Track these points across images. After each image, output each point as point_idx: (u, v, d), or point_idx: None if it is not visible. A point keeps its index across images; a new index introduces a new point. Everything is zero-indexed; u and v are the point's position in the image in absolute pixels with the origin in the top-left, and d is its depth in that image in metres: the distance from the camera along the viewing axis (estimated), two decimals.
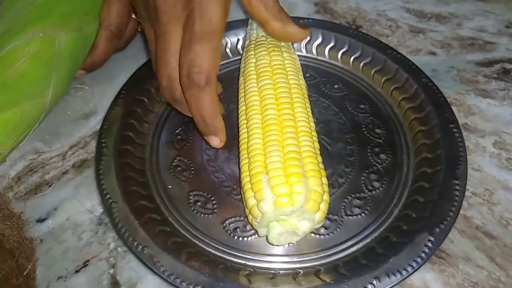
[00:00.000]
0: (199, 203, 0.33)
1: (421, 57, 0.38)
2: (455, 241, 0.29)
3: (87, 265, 0.32)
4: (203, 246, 0.31)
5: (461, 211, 0.31)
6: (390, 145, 0.36)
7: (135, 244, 0.28)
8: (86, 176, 0.32)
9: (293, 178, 0.27)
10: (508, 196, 0.31)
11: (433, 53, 0.40)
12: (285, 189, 0.27)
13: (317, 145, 0.30)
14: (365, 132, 0.37)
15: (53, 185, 0.32)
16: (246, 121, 0.30)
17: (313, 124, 0.31)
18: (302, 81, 0.34)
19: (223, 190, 0.33)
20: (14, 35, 0.33)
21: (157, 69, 0.30)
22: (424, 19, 0.43)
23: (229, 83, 0.40)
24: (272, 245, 0.30)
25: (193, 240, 0.31)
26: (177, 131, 0.38)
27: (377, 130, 0.37)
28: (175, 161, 0.35)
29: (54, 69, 0.35)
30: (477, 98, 0.36)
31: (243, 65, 0.36)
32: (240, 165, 0.31)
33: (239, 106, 0.34)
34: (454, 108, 0.35)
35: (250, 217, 0.29)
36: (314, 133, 0.31)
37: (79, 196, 0.35)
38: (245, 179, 0.29)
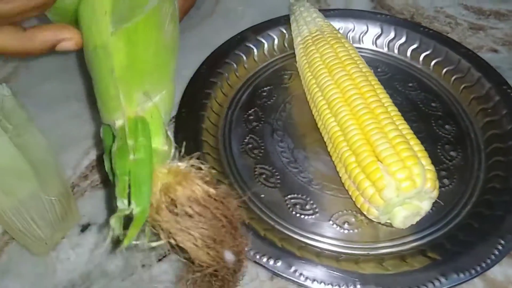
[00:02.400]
0: (298, 206, 0.36)
1: (483, 54, 0.40)
2: None
3: (170, 253, 0.35)
4: (320, 245, 0.34)
5: None
6: (450, 116, 0.42)
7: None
8: None
9: (408, 162, 0.31)
10: None
11: (495, 50, 0.41)
12: (405, 173, 0.31)
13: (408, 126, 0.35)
14: (423, 108, 0.43)
15: None
16: (332, 115, 0.30)
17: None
18: (370, 68, 0.40)
19: (315, 188, 0.37)
20: None
21: None
22: (483, 16, 0.45)
23: (276, 83, 0.45)
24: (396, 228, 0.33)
25: (311, 242, 0.34)
26: (245, 140, 0.41)
27: (433, 104, 0.43)
28: (257, 169, 0.39)
29: None
30: None
31: (306, 62, 0.41)
32: (342, 159, 0.35)
33: (317, 102, 0.36)
34: None
35: (366, 206, 0.34)
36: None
37: None
38: (354, 171, 0.34)
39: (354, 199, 0.34)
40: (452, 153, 0.39)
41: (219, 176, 0.36)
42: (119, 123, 0.26)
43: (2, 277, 0.33)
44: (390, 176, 0.30)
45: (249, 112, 0.42)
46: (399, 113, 0.35)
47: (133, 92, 0.27)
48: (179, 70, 0.46)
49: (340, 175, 0.35)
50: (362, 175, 0.32)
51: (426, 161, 0.32)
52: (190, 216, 0.23)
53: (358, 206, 0.34)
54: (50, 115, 0.42)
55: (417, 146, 0.32)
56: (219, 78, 0.43)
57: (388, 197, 0.31)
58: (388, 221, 0.33)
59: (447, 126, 0.41)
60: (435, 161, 0.38)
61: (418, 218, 0.33)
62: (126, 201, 0.24)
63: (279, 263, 0.31)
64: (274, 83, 0.45)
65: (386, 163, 0.31)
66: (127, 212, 0.23)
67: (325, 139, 0.37)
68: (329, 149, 0.37)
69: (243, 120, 0.42)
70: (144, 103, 0.27)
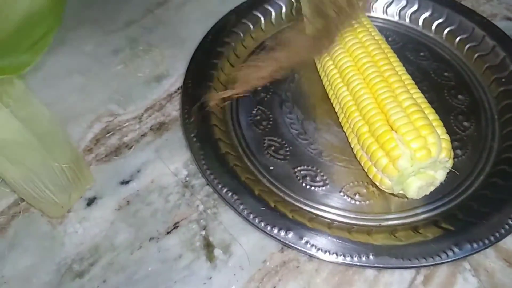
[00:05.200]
0: (308, 178, 0.36)
1: (497, 23, 0.40)
2: None
3: (177, 226, 0.36)
4: (331, 217, 0.34)
5: None
6: (463, 85, 0.41)
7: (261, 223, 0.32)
8: (166, 139, 0.33)
9: (423, 131, 0.30)
10: None
11: (509, 18, 0.39)
12: (420, 143, 0.30)
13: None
14: (436, 78, 0.42)
15: (133, 147, 0.32)
16: (343, 84, 0.30)
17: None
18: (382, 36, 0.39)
19: (325, 160, 0.37)
20: None
21: None
22: None
23: None
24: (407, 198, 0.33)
25: (322, 214, 0.34)
26: (253, 111, 0.40)
27: (445, 74, 0.42)
28: (265, 141, 0.38)
29: None
30: None
31: None
32: (354, 129, 0.34)
33: (328, 71, 0.35)
34: None
35: (378, 177, 0.33)
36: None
37: (161, 159, 0.38)
38: (367, 141, 0.33)
39: (366, 170, 0.33)
40: (465, 123, 0.38)
41: (228, 148, 0.36)
42: None
43: (10, 251, 0.33)
44: (405, 145, 0.30)
45: None
46: (413, 82, 0.34)
47: None
48: (183, 42, 0.46)
49: (352, 146, 0.35)
50: (375, 145, 0.32)
51: (441, 130, 0.31)
52: None
53: (371, 177, 0.33)
54: (53, 89, 0.42)
55: (432, 115, 0.32)
56: (226, 48, 0.42)
57: (402, 167, 0.30)
58: (401, 191, 0.32)
59: (460, 96, 0.40)
60: (448, 131, 0.37)
61: (432, 189, 0.32)
62: None
63: (290, 234, 0.31)
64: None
65: (401, 132, 0.30)
66: None
67: (336, 109, 0.37)
68: (340, 120, 0.36)
69: (251, 91, 0.41)
70: None
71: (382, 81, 0.33)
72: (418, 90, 0.34)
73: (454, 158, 0.35)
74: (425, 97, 0.40)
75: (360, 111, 0.33)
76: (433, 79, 0.42)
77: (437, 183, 0.32)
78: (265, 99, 0.40)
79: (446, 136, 0.31)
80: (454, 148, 0.36)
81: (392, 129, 0.31)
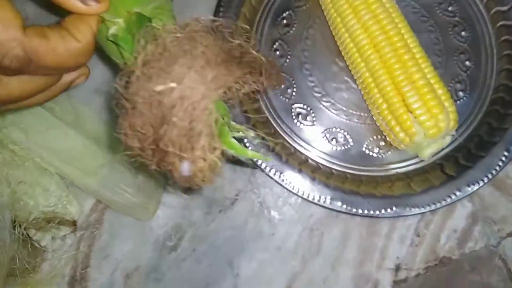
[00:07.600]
0: (335, 140, 0.43)
1: None
2: None
3: (237, 198, 0.44)
4: (360, 173, 0.43)
5: None
6: (466, 20, 0.44)
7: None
8: None
9: (435, 110, 0.37)
10: None
11: None
12: (432, 122, 0.37)
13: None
14: (441, 14, 0.44)
15: None
16: (361, 60, 0.40)
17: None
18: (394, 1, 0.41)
19: (346, 118, 0.43)
20: None
21: None
22: None
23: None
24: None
25: (354, 172, 0.43)
26: None
27: (450, 8, 0.45)
28: (293, 110, 0.43)
29: None
30: None
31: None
32: (375, 103, 0.40)
33: (345, 44, 0.42)
34: None
35: (396, 143, 0.41)
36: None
37: None
38: (387, 117, 0.39)
39: (386, 135, 0.41)
40: (467, 63, 0.43)
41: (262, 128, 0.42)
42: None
43: (112, 239, 0.42)
44: (420, 125, 0.37)
45: (274, 46, 0.44)
46: (424, 55, 0.39)
47: None
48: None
49: (372, 114, 0.41)
50: (394, 121, 0.38)
51: (448, 103, 0.37)
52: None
53: (390, 140, 0.41)
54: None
55: (441, 89, 0.38)
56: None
57: (417, 142, 0.38)
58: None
59: (463, 33, 0.44)
60: (452, 74, 0.43)
61: (440, 148, 0.40)
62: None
63: (328, 200, 0.40)
64: (291, 7, 0.45)
65: (416, 114, 0.37)
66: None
67: (355, 78, 0.42)
68: (360, 88, 0.42)
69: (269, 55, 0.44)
70: None
71: (397, 61, 0.37)
72: (429, 63, 0.38)
73: (456, 101, 0.42)
74: (431, 38, 0.43)
75: (379, 90, 0.38)
76: (438, 16, 0.44)
77: (445, 145, 0.40)
78: (285, 63, 0.44)
79: (453, 108, 0.38)
80: (456, 91, 0.43)
81: (408, 110, 0.37)
